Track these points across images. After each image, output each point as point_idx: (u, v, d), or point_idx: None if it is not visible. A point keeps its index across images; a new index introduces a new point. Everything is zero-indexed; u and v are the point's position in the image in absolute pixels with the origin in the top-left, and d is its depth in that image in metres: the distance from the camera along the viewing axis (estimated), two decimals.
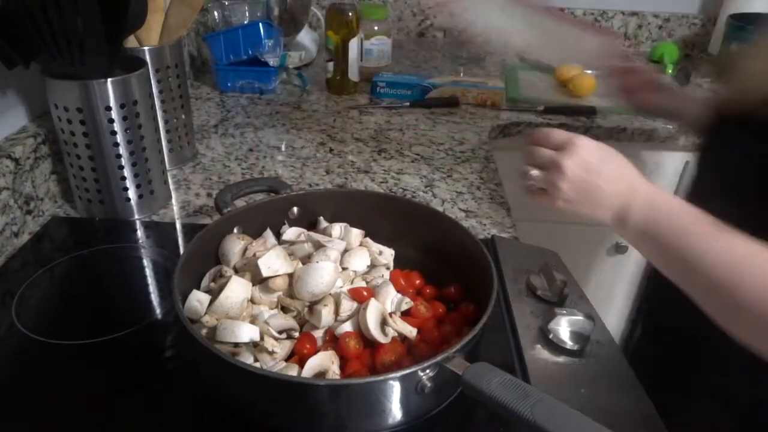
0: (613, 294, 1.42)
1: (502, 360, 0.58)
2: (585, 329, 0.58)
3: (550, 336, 0.59)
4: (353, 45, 1.21)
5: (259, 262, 0.56)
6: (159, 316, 0.64)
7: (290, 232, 0.66)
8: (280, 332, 0.53)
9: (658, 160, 1.22)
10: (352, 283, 0.60)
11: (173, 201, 0.85)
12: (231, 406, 0.51)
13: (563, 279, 0.64)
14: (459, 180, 0.93)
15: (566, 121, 1.17)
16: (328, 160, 0.98)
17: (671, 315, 0.71)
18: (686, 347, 0.70)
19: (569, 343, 0.58)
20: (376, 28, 1.30)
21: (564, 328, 0.59)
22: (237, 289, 0.55)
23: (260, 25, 1.18)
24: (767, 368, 0.46)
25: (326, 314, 0.54)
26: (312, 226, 0.69)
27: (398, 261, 0.65)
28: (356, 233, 0.66)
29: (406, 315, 0.57)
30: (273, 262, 0.57)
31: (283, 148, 1.02)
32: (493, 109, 1.22)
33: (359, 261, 0.62)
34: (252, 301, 0.57)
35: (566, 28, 0.80)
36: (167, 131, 0.90)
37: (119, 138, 0.74)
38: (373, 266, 0.64)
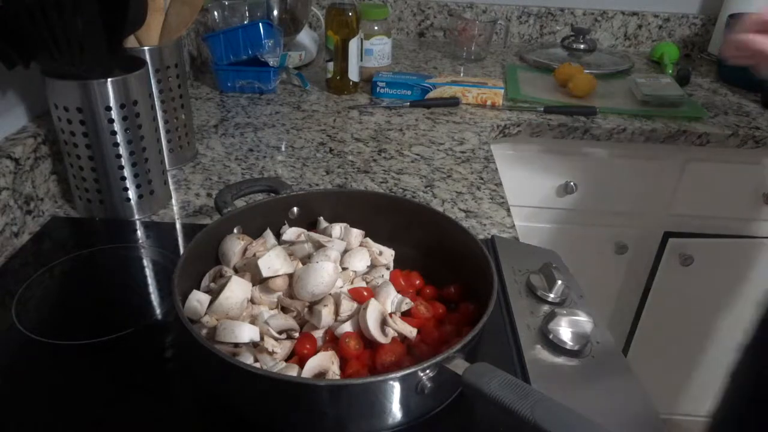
0: (614, 294, 1.42)
1: (502, 360, 0.57)
2: (585, 329, 0.58)
3: (550, 336, 0.59)
4: (353, 45, 1.21)
5: (259, 262, 0.56)
6: (159, 316, 0.64)
7: (290, 232, 0.66)
8: (280, 332, 0.53)
9: (658, 160, 1.22)
10: (352, 283, 0.60)
11: (173, 201, 0.85)
12: (231, 406, 0.51)
13: (563, 279, 0.64)
14: (459, 180, 0.93)
15: (566, 121, 1.17)
16: (328, 160, 0.98)
17: None
18: None
19: (569, 343, 0.58)
20: (376, 28, 1.30)
21: (564, 328, 0.59)
22: (237, 290, 0.55)
23: (260, 25, 1.18)
24: None
25: (326, 314, 0.54)
26: (312, 226, 0.69)
27: (398, 261, 0.65)
28: (356, 233, 0.66)
29: (406, 315, 0.57)
30: (273, 262, 0.57)
31: (283, 148, 1.02)
32: (493, 109, 1.22)
33: (359, 261, 0.62)
34: (252, 301, 0.57)
35: None
36: (167, 131, 0.90)
37: (119, 138, 0.74)
38: (373, 266, 0.64)
